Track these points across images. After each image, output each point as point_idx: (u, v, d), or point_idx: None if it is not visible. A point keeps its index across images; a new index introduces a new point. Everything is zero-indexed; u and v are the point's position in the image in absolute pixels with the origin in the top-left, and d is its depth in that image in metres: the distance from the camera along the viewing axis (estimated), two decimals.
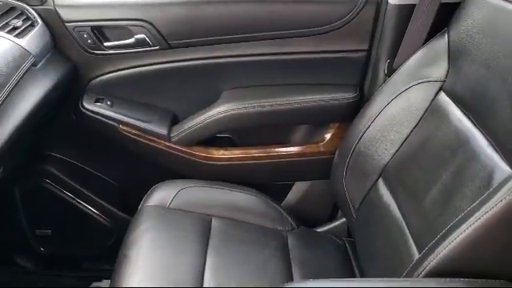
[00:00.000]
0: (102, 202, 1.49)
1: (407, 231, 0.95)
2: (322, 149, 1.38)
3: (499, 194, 0.69)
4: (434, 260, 0.73)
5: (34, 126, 1.15)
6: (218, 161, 1.38)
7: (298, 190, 1.47)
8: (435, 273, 0.73)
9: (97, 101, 1.34)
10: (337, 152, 1.26)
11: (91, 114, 1.34)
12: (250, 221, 1.24)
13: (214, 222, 1.20)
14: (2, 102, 0.99)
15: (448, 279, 0.69)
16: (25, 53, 1.12)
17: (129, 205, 1.39)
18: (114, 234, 1.50)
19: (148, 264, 1.04)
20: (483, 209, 0.70)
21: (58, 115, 1.35)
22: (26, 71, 1.11)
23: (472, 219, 0.71)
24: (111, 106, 1.34)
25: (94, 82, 1.34)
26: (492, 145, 0.84)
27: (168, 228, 1.14)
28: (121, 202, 1.51)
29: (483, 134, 0.87)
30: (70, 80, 1.29)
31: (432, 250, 0.75)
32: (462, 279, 0.69)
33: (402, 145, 1.09)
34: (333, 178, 1.26)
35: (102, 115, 1.34)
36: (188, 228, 1.15)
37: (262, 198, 1.31)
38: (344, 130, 1.27)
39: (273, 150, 1.39)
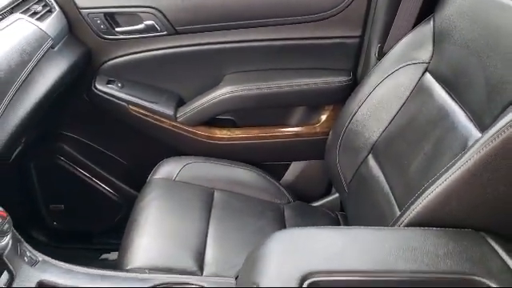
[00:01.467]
0: (111, 178, 1.58)
1: (393, 199, 1.03)
2: (317, 130, 1.47)
3: (467, 155, 0.78)
4: (410, 215, 0.83)
5: (51, 103, 1.24)
6: (221, 140, 1.48)
7: (294, 169, 1.56)
8: (411, 225, 0.82)
9: (108, 82, 1.44)
10: (331, 132, 1.35)
11: (103, 95, 1.43)
12: (250, 194, 1.33)
13: (217, 194, 1.29)
14: (26, 78, 1.09)
15: (422, 228, 0.78)
16: (45, 35, 1.21)
17: (136, 181, 1.48)
18: (122, 208, 1.59)
19: (156, 228, 1.13)
20: (453, 168, 0.79)
21: (71, 96, 1.44)
22: (45, 52, 1.20)
23: (443, 178, 0.80)
24: (122, 87, 1.44)
25: (105, 65, 1.44)
26: (468, 117, 0.93)
27: (174, 198, 1.24)
28: (129, 178, 1.60)
29: (461, 107, 0.96)
30: (83, 63, 1.38)
31: (409, 206, 0.84)
32: (434, 228, 0.78)
33: (390, 123, 1.17)
34: (327, 155, 1.35)
35: (113, 96, 1.43)
36: (193, 198, 1.25)
37: (260, 173, 1.40)
38: (338, 112, 1.35)
39: (271, 130, 1.49)
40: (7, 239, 0.76)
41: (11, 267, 0.76)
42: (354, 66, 1.41)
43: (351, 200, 1.25)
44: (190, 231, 1.14)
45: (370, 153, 1.20)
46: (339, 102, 1.39)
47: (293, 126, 1.50)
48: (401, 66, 1.18)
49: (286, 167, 1.57)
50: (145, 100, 1.44)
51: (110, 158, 1.59)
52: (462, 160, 0.79)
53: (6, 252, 0.76)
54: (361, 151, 1.22)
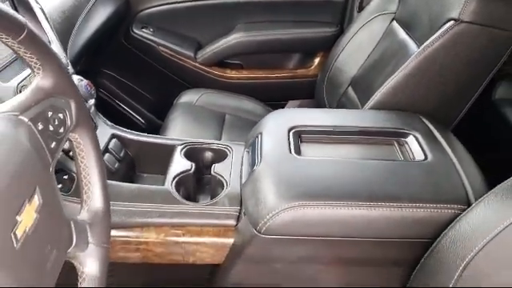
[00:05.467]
0: (140, 108, 1.92)
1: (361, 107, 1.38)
2: (310, 72, 1.82)
3: (408, 61, 1.13)
4: (368, 105, 1.17)
5: (99, 39, 1.57)
6: (231, 79, 1.83)
7: (290, 106, 1.90)
8: None
9: (142, 27, 1.78)
10: (320, 72, 1.69)
11: (138, 37, 1.78)
12: (252, 119, 1.66)
13: (227, 117, 1.62)
14: (87, 12, 1.43)
15: (377, 110, 1.13)
16: None
17: (161, 112, 1.81)
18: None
19: (183, 131, 1.48)
20: (398, 71, 1.14)
21: (112, 38, 1.78)
22: None
23: (391, 78, 1.15)
24: (153, 32, 1.78)
25: (141, 13, 1.78)
26: (417, 44, 1.26)
27: (195, 115, 1.58)
28: (154, 109, 1.94)
29: (414, 40, 1.30)
30: (123, 10, 1.72)
31: (367, 101, 1.19)
32: (386, 110, 1.13)
33: (365, 61, 1.51)
34: (316, 90, 1.69)
35: (147, 38, 1.78)
36: (209, 117, 1.58)
37: (262, 104, 1.74)
38: (327, 58, 1.70)
39: (272, 72, 1.84)
40: (93, 101, 1.11)
41: (94, 120, 1.11)
42: (341, 19, 1.76)
43: None
44: (208, 136, 1.48)
45: (349, 85, 1.54)
46: (329, 49, 1.70)
47: (290, 69, 1.84)
48: (374, 15, 1.52)
49: (283, 106, 1.90)
50: (171, 43, 1.79)
51: (140, 93, 1.93)
52: (404, 65, 1.14)
53: (92, 110, 1.11)
54: (342, 84, 1.56)
